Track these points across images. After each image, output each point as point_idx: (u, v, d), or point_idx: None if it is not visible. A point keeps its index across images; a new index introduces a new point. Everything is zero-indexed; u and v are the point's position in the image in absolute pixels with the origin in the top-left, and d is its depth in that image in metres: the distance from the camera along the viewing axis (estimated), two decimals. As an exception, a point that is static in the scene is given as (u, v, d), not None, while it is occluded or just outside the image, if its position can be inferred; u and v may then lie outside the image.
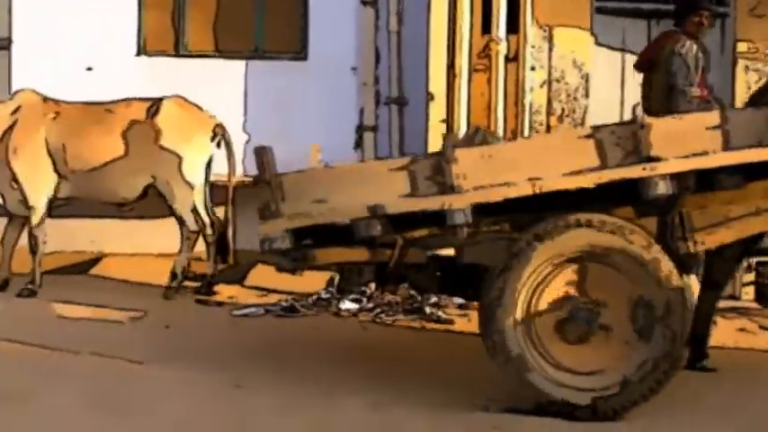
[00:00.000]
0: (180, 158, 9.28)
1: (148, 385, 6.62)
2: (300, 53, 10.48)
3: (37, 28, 10.76)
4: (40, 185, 9.41)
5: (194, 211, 9.41)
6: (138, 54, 10.74)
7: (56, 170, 9.39)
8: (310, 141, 10.21)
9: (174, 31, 10.76)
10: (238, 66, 10.48)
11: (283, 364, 7.07)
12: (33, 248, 9.45)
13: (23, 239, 10.15)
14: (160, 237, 9.56)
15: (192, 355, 7.23)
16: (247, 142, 10.36)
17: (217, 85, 10.40)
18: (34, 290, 9.32)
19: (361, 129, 10.31)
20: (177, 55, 10.73)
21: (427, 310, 8.92)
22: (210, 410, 6.12)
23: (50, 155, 9.37)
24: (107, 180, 9.30)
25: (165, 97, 9.38)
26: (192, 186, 9.36)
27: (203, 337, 7.80)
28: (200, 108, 9.44)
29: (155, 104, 9.35)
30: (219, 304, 9.04)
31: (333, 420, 5.96)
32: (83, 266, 10.43)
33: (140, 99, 9.43)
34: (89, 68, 10.56)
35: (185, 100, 9.44)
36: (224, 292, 9.54)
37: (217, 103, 10.27)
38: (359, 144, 10.32)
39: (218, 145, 9.42)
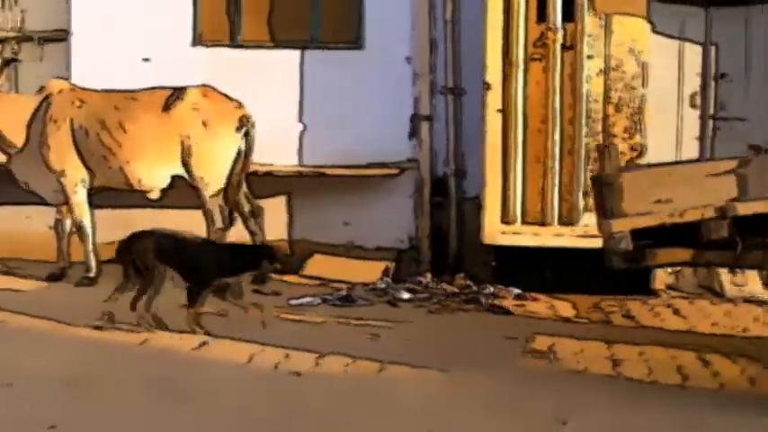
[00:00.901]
0: (203, 148, 9.28)
1: (209, 372, 6.68)
2: (356, 43, 10.47)
3: (95, 20, 10.84)
4: (73, 175, 9.48)
5: (229, 202, 9.40)
6: (195, 44, 10.78)
7: (82, 159, 9.46)
8: (366, 131, 10.22)
9: (230, 21, 10.78)
10: (294, 56, 10.48)
11: (334, 351, 7.09)
12: (81, 238, 9.54)
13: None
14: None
15: (251, 343, 7.26)
16: (303, 132, 10.40)
17: (272, 75, 10.43)
18: (92, 278, 9.40)
19: (416, 118, 10.29)
20: (233, 45, 10.75)
21: (483, 300, 8.92)
22: (271, 397, 6.16)
23: (77, 143, 9.44)
24: (131, 169, 9.34)
25: (191, 86, 9.38)
26: (218, 176, 9.35)
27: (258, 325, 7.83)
28: (228, 97, 9.41)
29: (179, 93, 9.35)
30: (276, 294, 9.07)
31: (390, 404, 5.98)
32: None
33: (165, 87, 9.44)
34: (146, 59, 10.61)
35: (212, 89, 9.42)
36: (280, 281, 9.58)
37: (272, 93, 10.36)
38: (414, 134, 10.29)
39: (246, 135, 9.40)
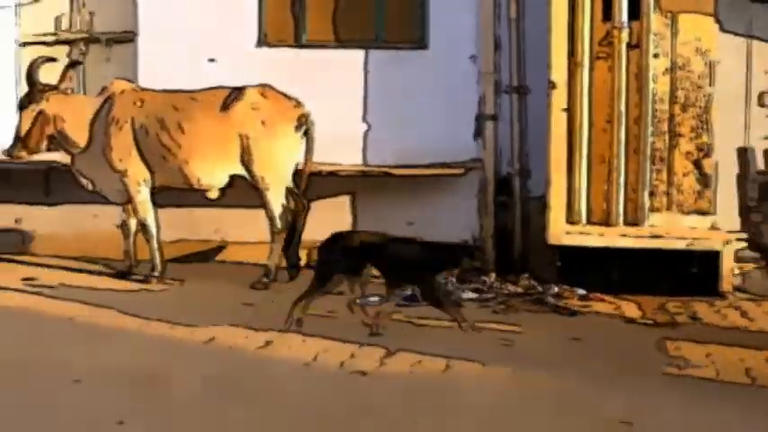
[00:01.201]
0: (263, 147, 9.30)
1: (274, 370, 6.72)
2: (420, 42, 10.46)
3: (161, 21, 10.93)
4: (135, 175, 9.56)
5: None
6: (260, 45, 10.84)
7: (143, 158, 9.54)
8: (430, 130, 10.21)
9: (295, 21, 10.82)
10: (358, 55, 10.50)
11: (400, 350, 7.09)
12: (146, 236, 9.62)
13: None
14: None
15: (315, 342, 7.29)
16: (367, 132, 10.42)
17: (336, 75, 10.46)
18: (156, 276, 9.49)
19: (481, 118, 10.26)
20: (297, 45, 10.79)
21: (548, 300, 8.87)
22: (336, 396, 6.18)
23: (138, 142, 9.51)
24: (190, 168, 9.39)
25: (250, 85, 9.41)
26: (279, 176, 9.36)
27: (323, 324, 7.84)
28: (287, 96, 9.43)
29: (238, 92, 9.39)
30: (341, 292, 9.07)
31: (455, 404, 5.97)
32: (207, 254, 10.62)
33: (224, 87, 9.48)
34: (212, 60, 10.69)
35: (271, 88, 9.45)
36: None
37: (336, 93, 10.38)
38: (479, 133, 10.27)
39: (305, 134, 9.40)
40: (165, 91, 9.65)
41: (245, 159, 9.30)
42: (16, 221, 11.33)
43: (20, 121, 9.70)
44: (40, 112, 9.65)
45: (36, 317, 8.15)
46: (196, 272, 9.95)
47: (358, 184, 10.39)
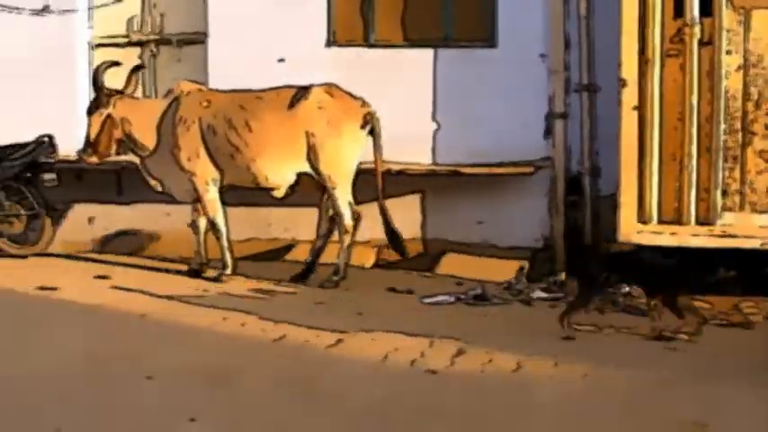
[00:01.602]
0: (329, 146, 9.30)
1: (344, 369, 6.74)
2: (489, 41, 10.43)
3: (231, 22, 11.02)
4: (203, 174, 9.62)
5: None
6: (329, 45, 10.88)
7: (210, 158, 9.59)
8: (499, 129, 10.18)
9: (364, 21, 10.85)
10: (427, 54, 10.50)
11: (471, 348, 7.08)
12: (216, 235, 9.70)
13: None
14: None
15: (385, 340, 7.30)
16: (436, 131, 10.41)
17: (406, 75, 10.47)
18: (227, 274, 9.56)
19: (550, 116, 10.20)
20: (366, 45, 10.82)
21: (620, 300, 8.79)
22: (406, 395, 6.18)
23: (205, 143, 9.58)
24: (257, 167, 9.43)
25: (315, 84, 9.42)
26: (345, 174, 9.35)
27: (394, 322, 7.86)
28: (352, 95, 9.43)
29: (304, 91, 9.40)
30: (410, 292, 9.10)
31: (526, 403, 5.95)
32: (277, 253, 10.69)
33: (290, 86, 9.50)
34: (281, 60, 10.75)
35: (337, 87, 9.45)
36: (414, 280, 9.62)
37: (405, 93, 10.40)
38: (549, 132, 10.21)
39: (371, 133, 9.40)
40: (231, 91, 9.72)
41: (312, 158, 9.32)
42: (89, 220, 11.51)
43: (89, 126, 9.82)
44: (108, 117, 9.77)
45: (108, 314, 8.26)
46: (267, 270, 10.01)
47: (428, 183, 10.40)
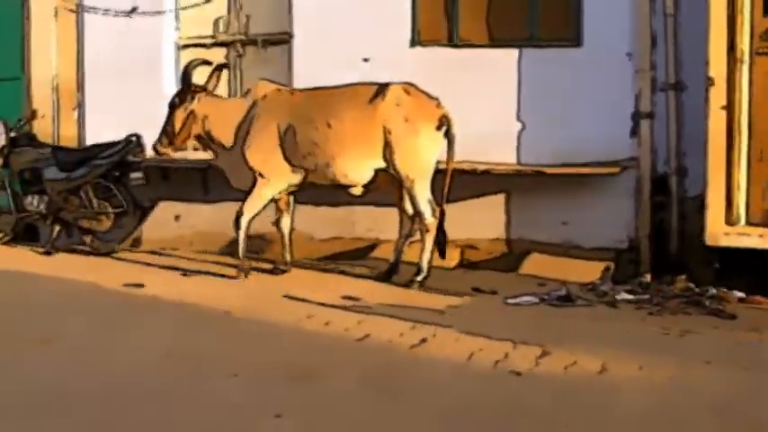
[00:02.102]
0: (406, 144, 9.25)
1: (428, 369, 6.74)
2: (574, 40, 10.34)
3: (316, 21, 11.10)
4: (270, 176, 9.65)
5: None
6: (413, 45, 10.89)
7: (286, 158, 9.62)
8: (584, 129, 10.10)
9: (448, 20, 10.84)
10: (512, 54, 10.45)
11: (555, 350, 7.03)
12: (236, 227, 9.67)
13: (304, 226, 10.59)
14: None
15: (469, 341, 7.29)
16: (521, 131, 10.36)
17: (490, 75, 10.44)
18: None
19: (637, 116, 10.09)
20: (451, 45, 10.81)
21: (706, 303, 8.69)
22: (490, 396, 6.16)
23: (282, 142, 9.60)
24: (337, 164, 9.40)
25: (393, 83, 9.39)
26: (424, 172, 9.28)
27: (478, 323, 7.84)
28: (429, 96, 9.39)
29: (381, 89, 9.38)
30: (494, 292, 9.07)
31: (610, 406, 5.90)
32: (361, 252, 10.73)
33: (368, 84, 9.49)
34: (365, 59, 10.78)
35: (414, 86, 9.42)
36: (497, 280, 9.59)
37: (490, 93, 10.37)
38: (635, 132, 10.10)
39: (446, 134, 9.36)
40: (308, 89, 9.77)
41: (389, 155, 9.30)
42: (176, 218, 11.66)
43: (170, 119, 9.92)
44: (191, 113, 9.88)
45: (194, 311, 8.34)
46: (353, 270, 10.06)
47: (512, 183, 10.35)
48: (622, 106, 10.05)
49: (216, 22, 11.89)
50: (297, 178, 9.65)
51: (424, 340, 7.32)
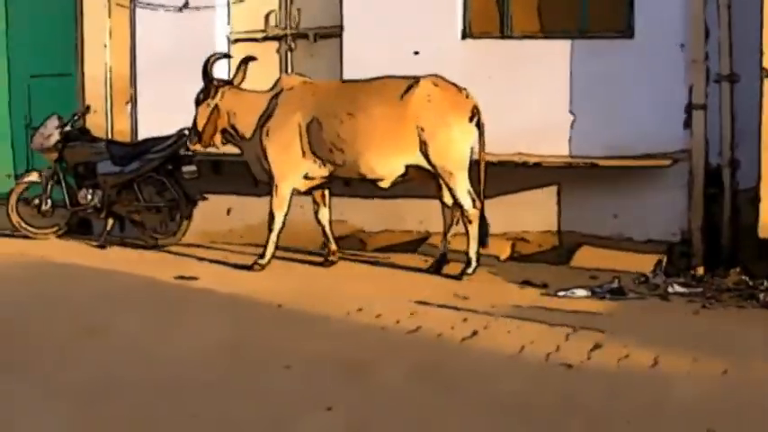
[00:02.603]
0: (440, 137, 9.22)
1: (479, 361, 6.74)
2: (626, 31, 10.25)
3: (366, 15, 11.09)
4: (287, 169, 9.67)
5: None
6: (464, 37, 10.84)
7: (312, 150, 9.59)
8: (638, 121, 10.02)
9: (499, 12, 10.79)
10: (564, 46, 10.37)
11: (607, 343, 7.00)
12: (270, 226, 9.75)
13: (355, 219, 10.61)
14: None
15: (521, 333, 7.28)
16: (572, 123, 10.31)
17: (541, 66, 10.38)
18: (260, 264, 9.75)
19: (690, 107, 9.99)
20: (502, 37, 10.75)
21: (760, 296, 8.60)
22: (541, 389, 6.15)
23: (307, 135, 9.56)
24: (365, 158, 9.37)
25: (422, 76, 9.34)
26: (459, 164, 9.24)
27: (529, 315, 7.82)
28: (458, 88, 9.34)
29: (412, 82, 9.33)
30: (545, 285, 9.03)
31: (661, 401, 5.87)
32: (411, 245, 10.74)
33: (397, 77, 9.43)
34: (416, 52, 10.75)
35: (443, 79, 9.36)
36: (548, 273, 9.56)
37: (541, 84, 10.32)
38: (688, 123, 10.00)
39: (478, 126, 9.32)
40: (337, 82, 9.75)
41: (423, 150, 9.27)
42: (227, 212, 11.73)
43: (196, 116, 10.00)
44: (215, 108, 9.93)
45: (246, 303, 8.41)
46: (403, 262, 10.07)
47: (564, 175, 10.29)
48: (675, 98, 9.95)
49: (267, 17, 11.92)
50: (318, 171, 9.64)
51: (475, 333, 7.32)
